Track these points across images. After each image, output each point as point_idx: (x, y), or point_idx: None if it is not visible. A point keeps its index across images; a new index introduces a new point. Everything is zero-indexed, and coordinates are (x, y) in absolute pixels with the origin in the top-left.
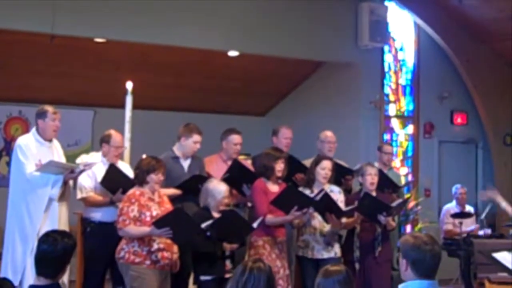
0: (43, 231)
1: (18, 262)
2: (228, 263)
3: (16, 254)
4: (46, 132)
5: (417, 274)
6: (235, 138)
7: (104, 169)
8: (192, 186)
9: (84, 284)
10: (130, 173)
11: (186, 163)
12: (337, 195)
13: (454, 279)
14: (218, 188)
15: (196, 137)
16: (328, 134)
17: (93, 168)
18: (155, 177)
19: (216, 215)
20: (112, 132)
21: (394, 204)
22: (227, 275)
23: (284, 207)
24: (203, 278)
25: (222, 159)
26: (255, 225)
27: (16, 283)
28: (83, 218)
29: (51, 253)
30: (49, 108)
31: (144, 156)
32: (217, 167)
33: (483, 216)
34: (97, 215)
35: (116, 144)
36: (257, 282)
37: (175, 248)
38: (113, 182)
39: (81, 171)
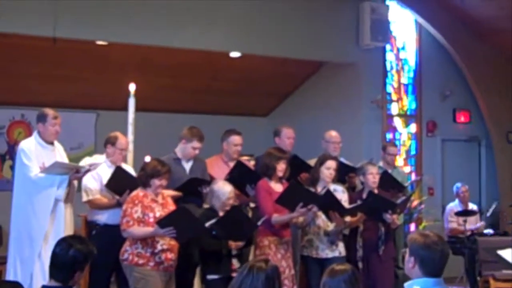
0: (50, 233)
1: (27, 265)
2: (235, 262)
3: (24, 257)
4: (46, 136)
5: (425, 273)
6: (236, 139)
7: (109, 171)
8: (192, 188)
9: (90, 287)
10: (133, 175)
11: (188, 165)
12: (341, 195)
13: (458, 277)
14: (223, 189)
15: (196, 144)
16: (333, 134)
17: (98, 171)
18: (158, 182)
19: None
20: (119, 134)
21: (398, 201)
22: (234, 274)
23: (289, 204)
24: (210, 277)
25: (223, 160)
26: (258, 223)
27: (26, 286)
28: (89, 221)
29: (61, 257)
30: (50, 112)
31: (148, 158)
32: (218, 168)
33: (488, 214)
34: (103, 218)
35: (122, 147)
36: (255, 281)
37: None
38: (119, 184)
39: (87, 171)
